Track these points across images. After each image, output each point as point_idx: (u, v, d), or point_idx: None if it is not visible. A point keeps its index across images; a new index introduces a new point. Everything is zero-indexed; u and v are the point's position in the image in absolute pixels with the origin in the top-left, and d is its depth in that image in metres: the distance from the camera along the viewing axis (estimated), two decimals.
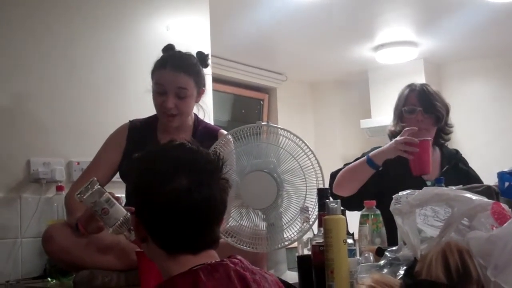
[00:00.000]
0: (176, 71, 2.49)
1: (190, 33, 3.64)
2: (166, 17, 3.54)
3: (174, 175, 1.37)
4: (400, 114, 2.94)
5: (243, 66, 5.90)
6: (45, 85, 2.93)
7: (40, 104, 2.90)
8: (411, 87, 2.96)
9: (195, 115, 2.67)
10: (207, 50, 3.68)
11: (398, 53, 5.63)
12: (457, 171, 2.92)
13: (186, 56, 2.58)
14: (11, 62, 2.82)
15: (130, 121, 2.63)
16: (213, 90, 3.80)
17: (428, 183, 2.79)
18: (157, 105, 2.52)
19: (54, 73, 2.96)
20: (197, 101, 2.60)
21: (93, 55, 3.12)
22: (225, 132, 2.60)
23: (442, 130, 2.98)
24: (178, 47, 2.65)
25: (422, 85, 2.99)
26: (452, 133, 3.05)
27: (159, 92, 2.49)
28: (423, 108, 2.87)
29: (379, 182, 2.77)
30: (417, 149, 2.58)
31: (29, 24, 2.90)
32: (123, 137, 2.59)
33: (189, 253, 1.40)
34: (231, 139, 2.10)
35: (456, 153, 3.06)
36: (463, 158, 3.05)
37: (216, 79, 4.49)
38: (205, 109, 2.72)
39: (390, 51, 5.60)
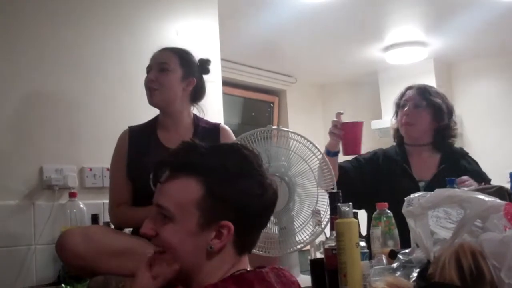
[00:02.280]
0: (161, 50, 2.63)
1: (200, 37, 3.65)
2: (176, 22, 3.55)
3: (260, 178, 1.41)
4: (396, 110, 3.03)
5: (252, 69, 5.90)
6: (57, 92, 2.94)
7: (52, 111, 2.91)
8: (409, 86, 3.04)
9: (194, 114, 2.70)
10: (216, 53, 3.71)
11: (408, 53, 5.61)
12: (456, 168, 2.88)
13: (179, 47, 2.67)
14: (23, 69, 2.83)
15: (129, 127, 2.67)
16: (223, 93, 3.81)
17: (421, 183, 2.84)
18: (144, 86, 2.59)
19: (66, 80, 2.98)
20: (186, 90, 2.61)
21: (104, 60, 3.14)
22: (226, 127, 2.70)
23: (444, 131, 2.98)
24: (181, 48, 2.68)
25: (423, 84, 3.05)
26: (456, 136, 3.03)
27: (147, 73, 2.59)
28: (414, 102, 2.93)
29: (373, 180, 2.81)
30: (341, 131, 2.57)
31: (42, 30, 2.92)
32: (124, 145, 2.62)
33: (247, 254, 1.45)
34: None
35: (461, 150, 3.04)
36: (468, 156, 3.02)
37: (226, 82, 4.49)
38: (203, 108, 2.72)
39: (400, 52, 5.60)
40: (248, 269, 1.43)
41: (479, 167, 2.97)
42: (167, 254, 1.40)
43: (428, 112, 2.92)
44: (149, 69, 2.59)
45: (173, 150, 1.47)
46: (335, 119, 2.60)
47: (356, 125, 2.58)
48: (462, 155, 3.00)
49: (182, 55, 2.62)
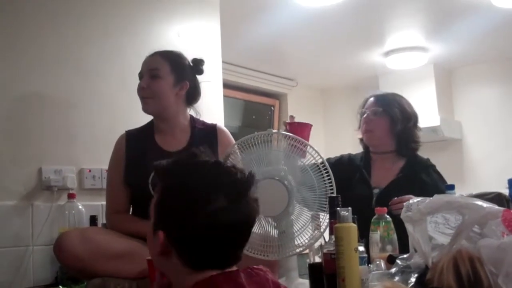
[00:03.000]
0: (152, 55, 2.61)
1: (201, 40, 3.65)
2: (177, 24, 3.55)
3: (214, 196, 1.36)
4: (359, 119, 3.07)
5: (254, 72, 5.90)
6: (57, 93, 2.94)
7: (51, 112, 2.90)
8: (371, 95, 3.06)
9: (191, 116, 2.69)
10: (218, 56, 3.71)
11: (408, 58, 5.62)
12: (414, 179, 2.83)
13: (170, 50, 2.66)
14: (23, 70, 2.83)
15: (126, 131, 2.66)
16: (224, 96, 3.81)
17: (375, 190, 2.83)
18: (137, 94, 2.58)
19: (66, 80, 2.98)
20: (179, 94, 2.59)
21: (105, 62, 3.14)
22: (223, 128, 2.70)
23: (403, 137, 2.95)
24: (189, 53, 2.69)
25: (382, 92, 3.08)
26: (418, 142, 2.99)
27: (139, 79, 2.58)
28: (372, 110, 2.96)
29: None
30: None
31: (42, 31, 2.92)
32: (122, 149, 2.61)
33: (215, 270, 1.40)
34: (236, 149, 2.11)
35: (425, 161, 2.97)
36: (432, 169, 2.94)
37: (227, 85, 4.49)
38: (198, 109, 2.71)
39: (400, 57, 5.60)
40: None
41: (442, 180, 2.87)
42: None
43: (385, 119, 2.94)
44: (140, 75, 2.58)
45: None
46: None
47: (302, 126, 2.50)
48: (425, 166, 2.94)
49: (173, 60, 2.59)
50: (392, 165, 2.94)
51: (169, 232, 1.38)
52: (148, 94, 2.53)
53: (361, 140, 3.09)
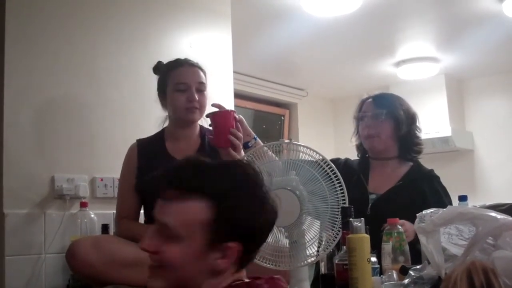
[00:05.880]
0: (194, 66, 2.64)
1: (213, 50, 3.66)
2: (189, 34, 3.56)
3: (268, 198, 1.43)
4: (356, 124, 2.92)
5: (264, 82, 5.92)
6: (69, 102, 2.95)
7: (64, 121, 2.91)
8: (367, 97, 2.91)
9: (200, 125, 2.71)
10: (229, 66, 3.72)
11: (420, 69, 5.62)
12: (414, 189, 2.72)
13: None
14: (36, 79, 2.84)
15: (137, 140, 2.69)
16: (235, 105, 3.82)
17: (372, 196, 2.74)
18: (180, 104, 2.56)
19: (79, 90, 2.99)
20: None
21: (118, 71, 3.14)
22: None
23: (407, 141, 2.83)
24: (201, 64, 2.70)
25: (379, 93, 2.93)
26: (421, 145, 2.86)
27: (182, 90, 2.57)
28: (373, 113, 2.81)
29: None
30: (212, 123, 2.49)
31: (55, 41, 2.93)
32: (133, 157, 2.64)
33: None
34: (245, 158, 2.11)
35: (428, 172, 2.83)
36: (436, 180, 2.80)
37: (237, 95, 4.50)
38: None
39: (412, 67, 5.60)
40: (245, 280, 1.44)
41: (445, 194, 2.75)
42: (167, 271, 1.39)
43: (389, 123, 2.79)
44: (184, 87, 2.56)
45: (179, 166, 1.45)
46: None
47: (226, 114, 2.50)
48: (428, 177, 2.80)
49: (205, 74, 2.65)
50: (392, 171, 2.82)
51: (241, 241, 1.38)
52: (197, 105, 2.56)
53: (359, 146, 2.95)
